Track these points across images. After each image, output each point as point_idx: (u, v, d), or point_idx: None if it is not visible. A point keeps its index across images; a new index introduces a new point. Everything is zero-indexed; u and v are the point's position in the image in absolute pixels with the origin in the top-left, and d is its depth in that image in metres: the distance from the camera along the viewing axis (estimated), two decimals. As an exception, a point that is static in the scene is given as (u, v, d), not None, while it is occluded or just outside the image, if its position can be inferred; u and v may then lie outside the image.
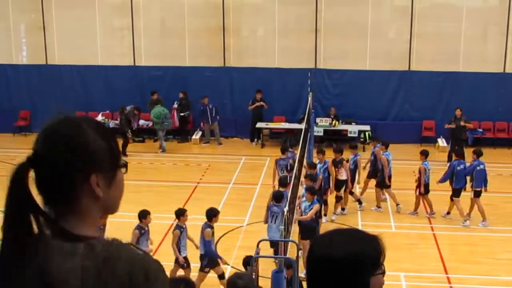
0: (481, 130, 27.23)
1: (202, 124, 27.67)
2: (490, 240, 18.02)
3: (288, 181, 16.67)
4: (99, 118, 28.51)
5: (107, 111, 28.53)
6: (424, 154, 19.40)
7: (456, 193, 18.97)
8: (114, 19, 29.56)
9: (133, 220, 14.50)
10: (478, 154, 19.12)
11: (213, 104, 27.16)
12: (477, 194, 18.78)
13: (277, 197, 15.70)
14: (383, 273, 2.61)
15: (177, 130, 28.19)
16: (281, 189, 16.58)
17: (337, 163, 19.16)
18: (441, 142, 26.69)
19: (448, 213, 19.45)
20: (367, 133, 26.66)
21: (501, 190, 21.28)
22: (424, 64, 27.48)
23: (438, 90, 27.33)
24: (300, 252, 14.31)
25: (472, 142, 26.55)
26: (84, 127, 2.34)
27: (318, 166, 18.39)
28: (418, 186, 19.29)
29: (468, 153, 22.97)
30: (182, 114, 27.85)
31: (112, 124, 28.29)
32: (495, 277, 15.90)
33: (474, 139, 26.72)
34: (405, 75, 27.62)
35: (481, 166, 18.80)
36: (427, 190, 19.24)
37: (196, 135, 28.01)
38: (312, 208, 15.52)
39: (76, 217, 2.33)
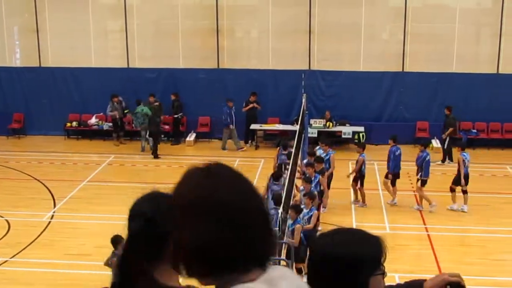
0: (474, 131, 27.27)
1: (226, 127, 27.01)
2: (484, 240, 18.04)
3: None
4: (93, 120, 28.53)
5: (101, 113, 28.48)
6: (362, 147, 20.67)
7: (393, 177, 20.46)
8: (108, 21, 29.54)
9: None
10: (426, 145, 20.76)
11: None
12: (424, 183, 19.97)
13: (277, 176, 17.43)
14: (383, 273, 2.61)
15: (171, 132, 28.16)
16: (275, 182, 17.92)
17: (318, 174, 18.58)
18: (435, 143, 26.70)
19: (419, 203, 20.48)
20: (361, 134, 26.69)
21: (494, 190, 21.35)
22: (418, 65, 27.52)
23: (432, 91, 27.36)
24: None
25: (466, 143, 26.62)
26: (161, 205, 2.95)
27: None
28: (356, 178, 20.40)
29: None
30: (175, 116, 27.81)
31: (106, 126, 28.31)
32: (490, 277, 15.92)
33: (468, 139, 26.77)
34: (399, 76, 27.65)
35: (429, 157, 20.20)
36: (362, 182, 20.31)
37: (190, 137, 27.96)
38: (294, 229, 14.90)
39: (165, 271, 2.90)
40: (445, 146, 25.15)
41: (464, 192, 19.84)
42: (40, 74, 28.88)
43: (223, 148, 27.02)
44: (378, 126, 27.50)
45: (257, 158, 25.67)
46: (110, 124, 28.05)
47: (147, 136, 26.62)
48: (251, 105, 27.27)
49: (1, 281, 15.40)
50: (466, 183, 19.77)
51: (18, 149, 27.21)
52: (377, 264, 2.60)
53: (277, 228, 12.79)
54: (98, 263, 13.86)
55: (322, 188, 18.31)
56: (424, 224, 19.08)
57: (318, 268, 2.61)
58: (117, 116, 27.51)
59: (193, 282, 2.44)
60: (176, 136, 28.03)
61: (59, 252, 16.55)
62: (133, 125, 27.23)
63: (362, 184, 20.31)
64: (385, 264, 2.68)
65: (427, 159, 20.05)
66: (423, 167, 19.94)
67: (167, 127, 28.03)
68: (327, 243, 2.63)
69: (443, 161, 24.90)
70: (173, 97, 27.57)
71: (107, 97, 27.48)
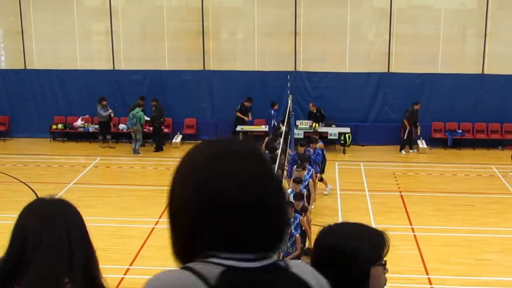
0: (460, 131, 27.36)
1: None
2: (471, 240, 18.10)
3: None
4: (79, 122, 28.42)
5: (87, 116, 28.39)
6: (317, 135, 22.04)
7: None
8: (93, 23, 29.43)
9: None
10: (310, 141, 21.52)
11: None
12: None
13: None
14: (384, 264, 2.67)
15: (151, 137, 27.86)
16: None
17: (299, 213, 16.00)
18: (421, 143, 26.79)
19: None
20: (347, 135, 26.72)
21: (480, 191, 21.42)
22: (403, 66, 27.59)
23: (417, 92, 27.42)
24: None
25: (452, 143, 26.75)
26: None
27: None
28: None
29: (449, 154, 23.14)
30: (155, 124, 27.11)
31: (91, 128, 28.20)
32: (476, 277, 15.97)
33: (453, 140, 26.90)
34: (385, 77, 27.71)
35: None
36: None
37: (176, 139, 27.86)
38: None
39: None
40: (405, 137, 26.34)
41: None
42: (25, 77, 28.74)
43: None
44: (364, 127, 27.56)
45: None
46: (96, 126, 27.93)
47: (137, 137, 26.50)
48: (244, 117, 27.05)
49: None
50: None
51: (3, 151, 27.06)
52: (378, 255, 2.69)
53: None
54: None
55: (304, 229, 15.67)
56: (411, 224, 19.13)
57: (320, 257, 2.73)
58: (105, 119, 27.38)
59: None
60: (157, 144, 27.33)
61: (45, 255, 16.46)
62: (126, 126, 26.95)
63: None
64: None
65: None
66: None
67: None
68: (329, 234, 2.79)
69: (401, 150, 26.41)
70: (153, 103, 26.93)
71: (92, 99, 27.39)
